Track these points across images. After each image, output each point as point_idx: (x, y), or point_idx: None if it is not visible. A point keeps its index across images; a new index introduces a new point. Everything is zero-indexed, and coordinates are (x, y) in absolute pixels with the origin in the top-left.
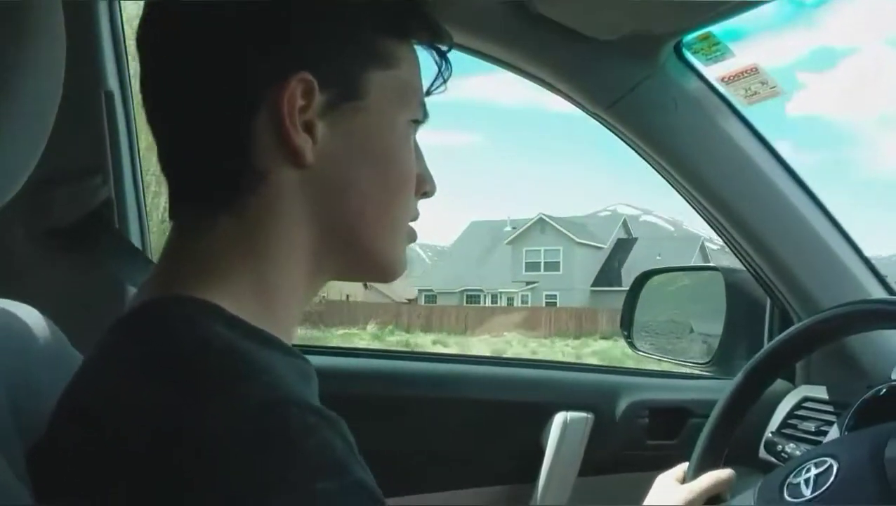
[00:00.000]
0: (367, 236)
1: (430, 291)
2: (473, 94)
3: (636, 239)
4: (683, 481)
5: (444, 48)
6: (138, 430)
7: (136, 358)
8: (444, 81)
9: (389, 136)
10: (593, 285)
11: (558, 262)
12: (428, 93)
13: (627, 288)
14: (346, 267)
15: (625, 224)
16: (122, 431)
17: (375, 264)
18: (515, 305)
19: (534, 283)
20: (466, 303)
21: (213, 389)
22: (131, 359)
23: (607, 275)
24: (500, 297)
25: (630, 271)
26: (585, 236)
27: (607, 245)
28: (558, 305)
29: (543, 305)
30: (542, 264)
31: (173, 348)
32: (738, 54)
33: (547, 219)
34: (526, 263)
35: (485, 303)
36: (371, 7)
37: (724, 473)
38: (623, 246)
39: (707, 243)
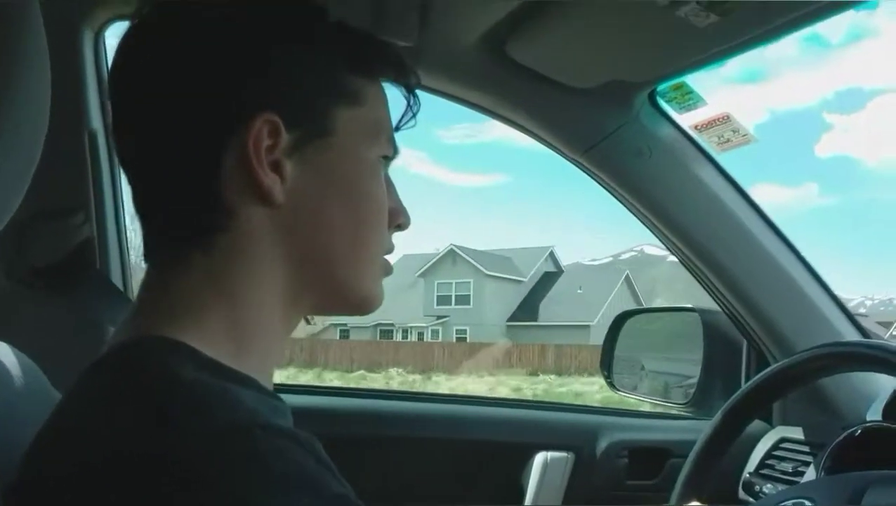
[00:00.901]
0: (341, 271)
1: (345, 325)
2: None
3: (561, 272)
4: None
5: (411, 85)
6: (112, 465)
7: (110, 398)
8: (413, 116)
9: (359, 172)
10: (510, 320)
11: (469, 295)
12: (397, 128)
13: (544, 323)
14: (322, 302)
15: (552, 256)
16: (97, 467)
17: (351, 299)
18: (426, 339)
19: (444, 317)
20: (380, 338)
21: (181, 419)
22: (105, 399)
23: (525, 309)
24: (411, 331)
25: (548, 305)
26: (499, 269)
27: (527, 278)
28: (468, 340)
29: (454, 340)
30: (454, 298)
31: (145, 387)
32: (758, 94)
33: (457, 250)
34: (437, 295)
35: (397, 337)
36: (337, 46)
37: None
38: (548, 279)
39: (631, 274)
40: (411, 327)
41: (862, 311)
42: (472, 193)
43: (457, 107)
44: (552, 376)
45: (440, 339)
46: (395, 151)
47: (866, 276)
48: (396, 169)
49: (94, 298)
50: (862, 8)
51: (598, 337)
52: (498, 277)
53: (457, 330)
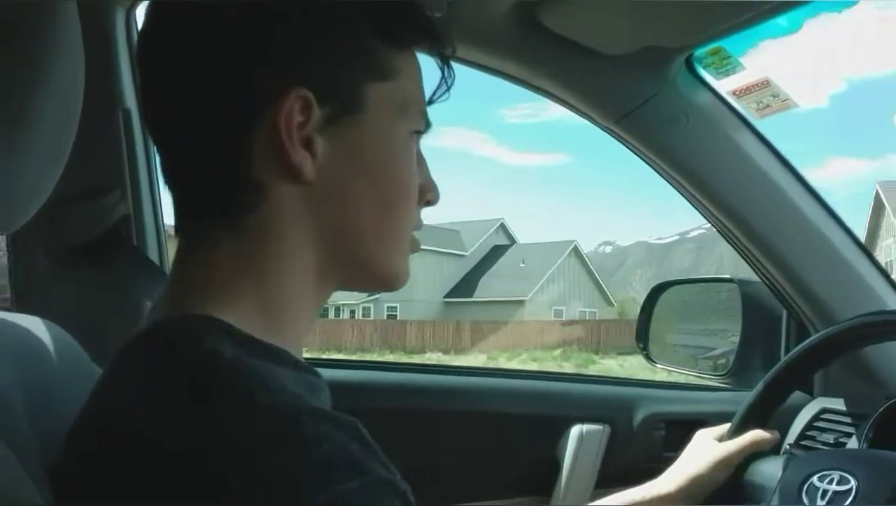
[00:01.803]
0: (370, 248)
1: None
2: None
3: (510, 246)
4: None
5: (446, 55)
6: (156, 445)
7: (149, 380)
8: (448, 89)
9: (389, 148)
10: (447, 296)
11: None
12: (430, 101)
13: (481, 298)
14: (350, 278)
15: (503, 228)
16: (142, 446)
17: (378, 275)
18: (357, 317)
19: (376, 295)
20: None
21: (223, 405)
22: (144, 381)
23: (465, 285)
24: (343, 309)
25: (488, 281)
26: (439, 243)
27: (469, 253)
28: (398, 317)
29: (385, 317)
30: None
31: (184, 369)
32: (834, 61)
33: None
34: None
35: (330, 316)
36: (368, 17)
37: (767, 433)
38: (496, 254)
39: (580, 246)
40: (343, 305)
41: None
42: (532, 171)
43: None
44: (439, 354)
45: (371, 316)
46: (428, 125)
47: None
48: (458, 151)
49: (132, 274)
50: None
51: (533, 312)
52: (437, 252)
53: (388, 307)
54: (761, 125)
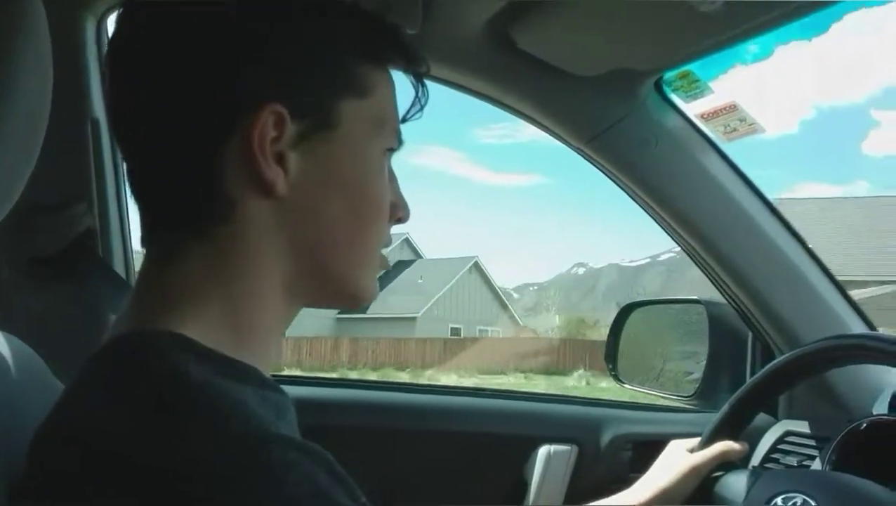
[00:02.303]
0: (340, 265)
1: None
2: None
3: (413, 261)
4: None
5: (420, 73)
6: (118, 466)
7: (114, 394)
8: (422, 108)
9: (362, 165)
10: (340, 313)
11: None
12: (404, 119)
13: (374, 315)
14: (319, 294)
15: (408, 244)
16: (103, 466)
17: (348, 291)
18: None
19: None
20: None
21: (189, 425)
22: (109, 395)
23: None
24: None
25: (385, 296)
26: None
27: None
28: (285, 334)
29: None
30: None
31: (150, 385)
32: (804, 89)
33: None
34: None
35: None
36: (345, 32)
37: (737, 444)
38: (397, 269)
39: (480, 261)
40: None
41: None
42: (508, 192)
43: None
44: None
45: None
46: (400, 143)
47: None
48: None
49: (97, 287)
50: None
51: (423, 330)
52: None
53: None
54: (729, 148)
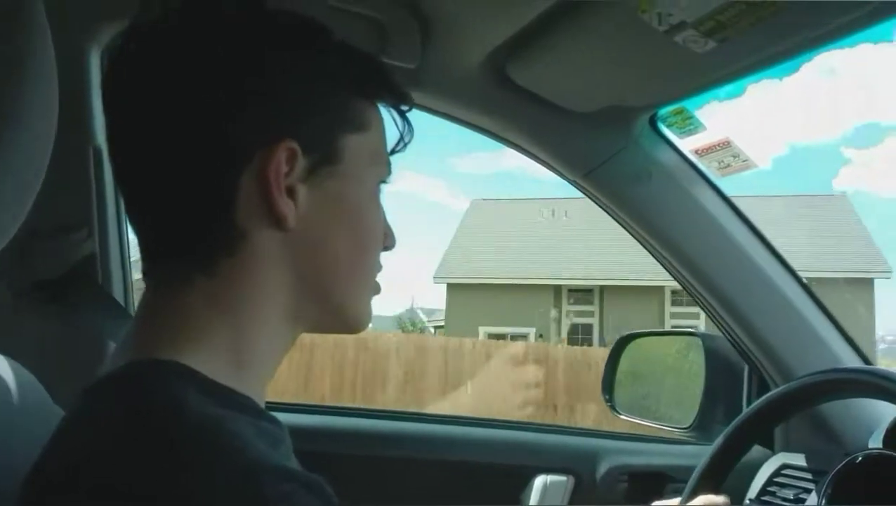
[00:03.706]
0: (341, 292)
1: None
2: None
3: None
4: None
5: (407, 110)
6: (116, 495)
7: (113, 427)
8: (407, 143)
9: (362, 196)
10: None
11: None
12: (392, 153)
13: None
14: (319, 322)
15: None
16: (101, 495)
17: (348, 318)
18: None
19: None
20: None
21: (187, 458)
22: (108, 427)
23: None
24: None
25: None
26: None
27: None
28: None
29: None
30: None
31: (151, 418)
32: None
33: None
34: None
35: None
36: (342, 71)
37: (719, 498)
38: None
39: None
40: None
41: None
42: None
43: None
44: None
45: None
46: (390, 173)
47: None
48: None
49: (96, 313)
50: (852, 42)
51: None
52: None
53: None
54: (729, 184)
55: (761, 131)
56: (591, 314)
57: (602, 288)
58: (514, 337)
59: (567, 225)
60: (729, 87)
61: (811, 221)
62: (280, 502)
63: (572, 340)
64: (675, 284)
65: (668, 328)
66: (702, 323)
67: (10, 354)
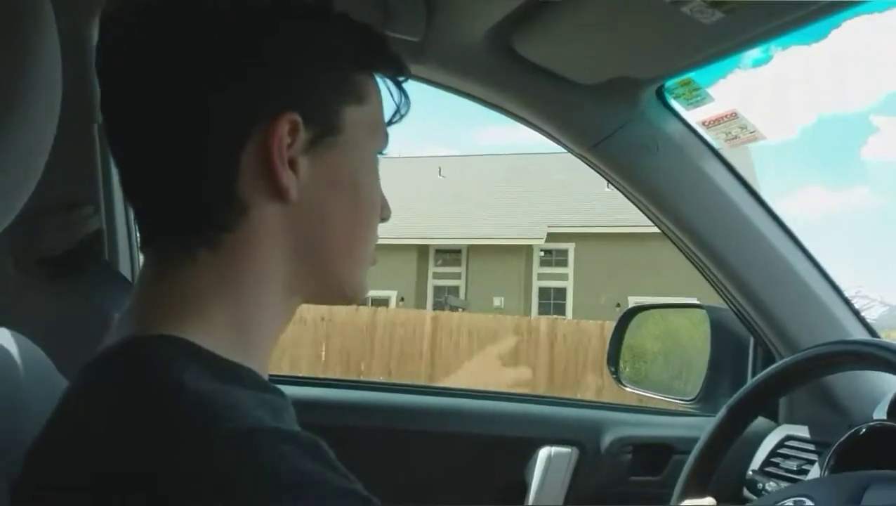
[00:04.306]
0: (340, 263)
1: None
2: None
3: None
4: None
5: (404, 81)
6: (113, 468)
7: (111, 401)
8: (403, 115)
9: (362, 168)
10: None
11: None
12: (389, 124)
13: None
14: (318, 293)
15: None
16: (101, 471)
17: (346, 288)
18: None
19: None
20: None
21: (185, 430)
22: (106, 402)
23: None
24: None
25: None
26: None
27: None
28: None
29: None
30: None
31: (148, 393)
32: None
33: None
34: None
35: None
36: (343, 43)
37: (705, 501)
38: None
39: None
40: None
41: None
42: None
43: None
44: None
45: None
46: (386, 145)
47: None
48: None
49: (102, 288)
50: (868, 9)
51: None
52: None
53: None
54: (749, 158)
55: (788, 100)
56: (457, 276)
57: (469, 248)
58: (375, 301)
59: (442, 183)
60: (756, 55)
61: None
62: (277, 462)
63: (437, 305)
64: (544, 243)
65: (669, 300)
66: (570, 284)
67: (17, 328)
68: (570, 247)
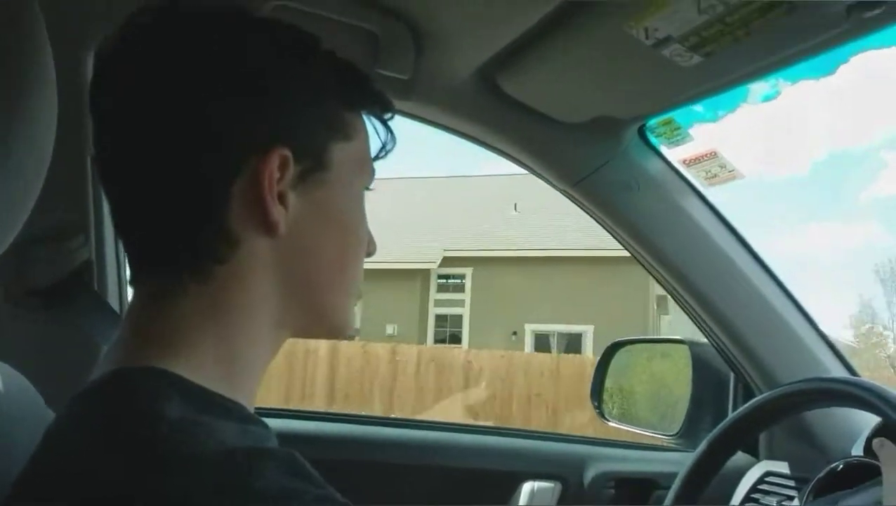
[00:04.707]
0: (328, 298)
1: None
2: None
3: None
4: None
5: (389, 119)
6: (98, 499)
7: (93, 433)
8: (389, 151)
9: (349, 204)
10: None
11: None
12: (375, 158)
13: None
14: (305, 325)
15: None
16: (83, 499)
17: (334, 323)
18: None
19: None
20: None
21: (164, 457)
22: (88, 434)
23: None
24: None
25: None
26: None
27: None
28: None
29: None
30: None
31: (129, 424)
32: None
33: None
34: None
35: None
36: (331, 80)
37: None
38: None
39: None
40: None
41: None
42: None
43: None
44: None
45: None
46: (372, 180)
47: None
48: None
49: (91, 319)
50: (871, 44)
51: None
52: None
53: None
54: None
55: (798, 134)
56: None
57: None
58: None
59: None
60: (765, 91)
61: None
62: (252, 480)
63: None
64: (439, 268)
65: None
66: (466, 311)
67: (5, 358)
68: (468, 272)
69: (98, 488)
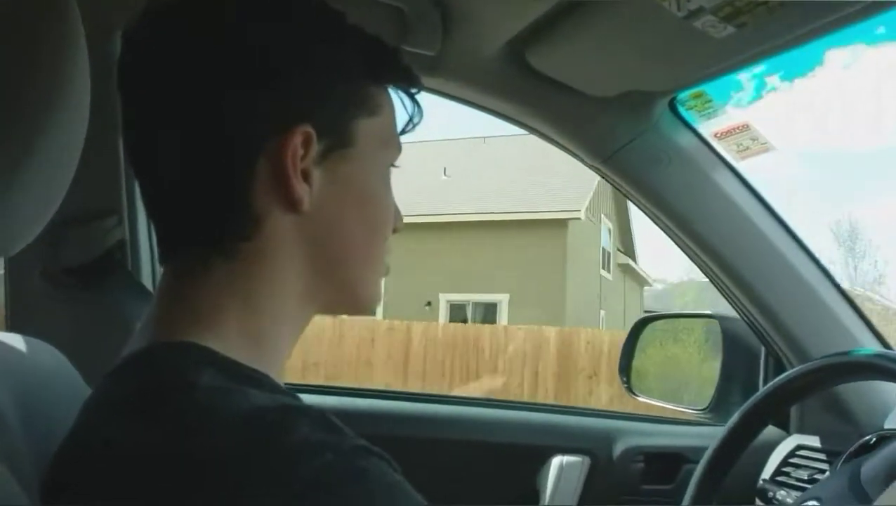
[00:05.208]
0: (354, 274)
1: None
2: None
3: None
4: None
5: (417, 94)
6: (135, 468)
7: (127, 407)
8: (416, 125)
9: (375, 180)
10: None
11: None
12: (401, 133)
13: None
14: (333, 303)
15: None
16: (120, 479)
17: (360, 299)
18: None
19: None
20: None
21: (199, 421)
22: (123, 408)
23: None
24: None
25: None
26: None
27: None
28: None
29: None
30: None
31: (163, 394)
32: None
33: None
34: None
35: None
36: (356, 56)
37: None
38: None
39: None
40: None
41: None
42: None
43: None
44: None
45: None
46: (399, 156)
47: None
48: None
49: (125, 298)
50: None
51: None
52: None
53: None
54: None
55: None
56: None
57: None
58: None
59: None
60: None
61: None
62: (287, 434)
63: None
64: None
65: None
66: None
67: (45, 337)
68: None
69: (136, 457)
